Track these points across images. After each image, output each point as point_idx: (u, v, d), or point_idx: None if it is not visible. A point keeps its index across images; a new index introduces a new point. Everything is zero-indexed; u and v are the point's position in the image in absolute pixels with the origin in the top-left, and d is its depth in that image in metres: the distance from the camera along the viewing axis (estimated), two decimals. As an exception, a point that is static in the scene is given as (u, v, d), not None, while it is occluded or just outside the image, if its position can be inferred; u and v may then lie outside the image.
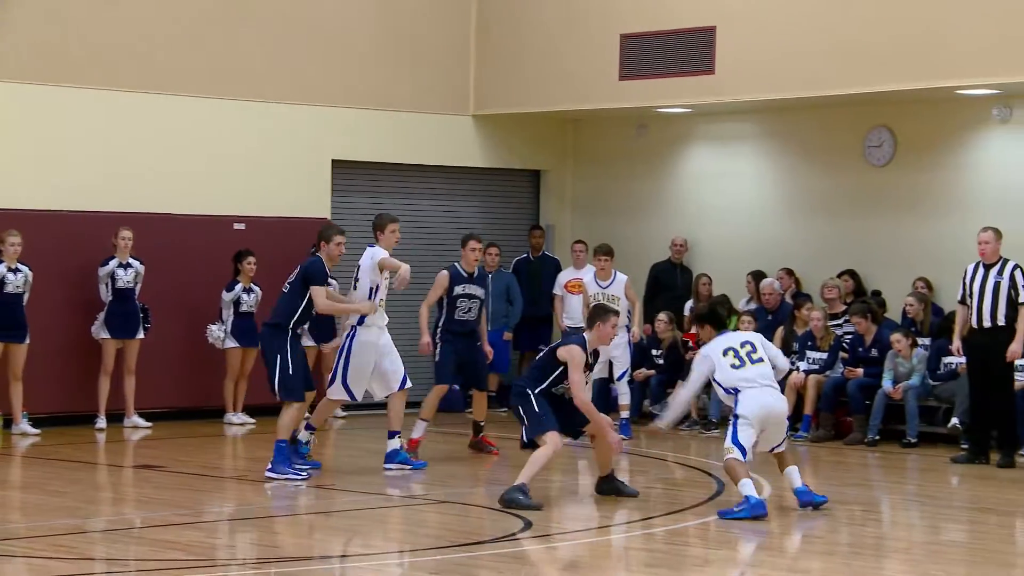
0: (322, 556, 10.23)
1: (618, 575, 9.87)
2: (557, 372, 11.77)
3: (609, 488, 12.13)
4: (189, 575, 9.49)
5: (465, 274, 14.49)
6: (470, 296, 14.47)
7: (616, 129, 19.76)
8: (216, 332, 16.59)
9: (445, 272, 14.48)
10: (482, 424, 14.81)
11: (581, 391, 11.70)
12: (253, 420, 16.70)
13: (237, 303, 16.59)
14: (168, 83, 17.13)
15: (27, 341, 15.50)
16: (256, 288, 16.72)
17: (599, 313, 11.99)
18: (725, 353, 11.47)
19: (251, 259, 16.68)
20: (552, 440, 11.65)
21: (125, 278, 16.13)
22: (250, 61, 17.67)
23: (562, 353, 11.74)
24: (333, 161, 18.35)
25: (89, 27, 16.63)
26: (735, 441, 11.22)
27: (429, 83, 18.97)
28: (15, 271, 15.48)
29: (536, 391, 11.75)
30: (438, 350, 14.40)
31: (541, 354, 12.32)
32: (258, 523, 11.45)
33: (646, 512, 11.70)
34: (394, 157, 18.85)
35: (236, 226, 17.31)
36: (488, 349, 14.82)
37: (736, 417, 11.33)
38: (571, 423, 11.95)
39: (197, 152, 17.32)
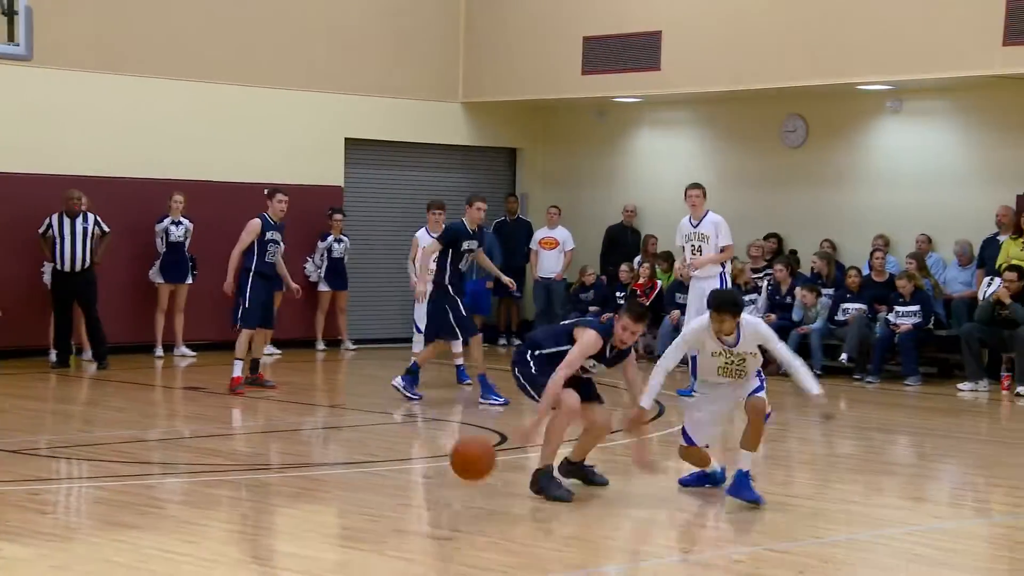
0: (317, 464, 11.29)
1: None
2: (564, 348, 10.05)
3: (577, 474, 10.43)
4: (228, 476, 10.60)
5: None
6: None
7: (579, 115, 21.22)
8: None
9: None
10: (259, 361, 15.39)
11: (560, 370, 9.83)
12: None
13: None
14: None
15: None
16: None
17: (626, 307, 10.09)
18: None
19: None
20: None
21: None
22: (276, 53, 19.49)
23: (576, 332, 10.06)
24: (346, 139, 20.23)
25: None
26: None
27: (424, 74, 20.65)
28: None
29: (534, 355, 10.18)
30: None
31: (560, 324, 10.73)
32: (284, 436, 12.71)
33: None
34: (397, 136, 20.56)
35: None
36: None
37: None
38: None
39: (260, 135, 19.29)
